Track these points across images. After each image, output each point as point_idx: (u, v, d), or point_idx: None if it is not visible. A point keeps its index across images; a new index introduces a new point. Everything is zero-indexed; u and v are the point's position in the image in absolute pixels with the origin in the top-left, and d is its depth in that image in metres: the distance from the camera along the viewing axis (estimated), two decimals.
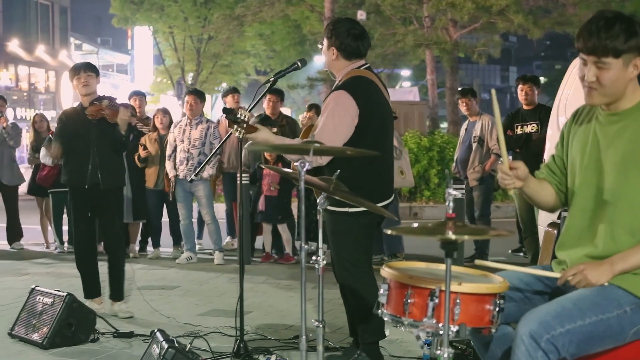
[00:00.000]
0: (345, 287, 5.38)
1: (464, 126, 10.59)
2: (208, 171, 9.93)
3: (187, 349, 4.77)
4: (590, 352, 3.31)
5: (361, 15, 25.47)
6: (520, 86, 9.30)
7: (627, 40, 3.31)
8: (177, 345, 4.68)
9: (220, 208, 12.36)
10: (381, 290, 3.40)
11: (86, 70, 6.94)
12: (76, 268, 7.24)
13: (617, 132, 3.44)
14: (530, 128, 9.20)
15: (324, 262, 3.81)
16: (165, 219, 10.79)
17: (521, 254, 10.88)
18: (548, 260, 5.87)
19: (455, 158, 10.72)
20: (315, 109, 11.34)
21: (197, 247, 11.22)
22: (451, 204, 3.03)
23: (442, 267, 3.65)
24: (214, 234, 10.27)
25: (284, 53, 39.55)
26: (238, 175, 10.11)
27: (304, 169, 3.41)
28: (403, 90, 26.30)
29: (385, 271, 3.40)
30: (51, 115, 28.87)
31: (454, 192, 3.05)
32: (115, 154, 7.05)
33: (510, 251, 10.99)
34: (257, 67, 41.44)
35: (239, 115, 4.80)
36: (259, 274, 9.22)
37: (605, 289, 3.33)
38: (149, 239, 11.02)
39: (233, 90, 11.18)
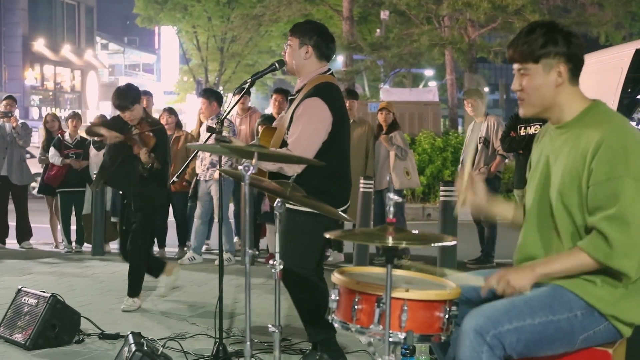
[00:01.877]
0: (292, 289, 5.23)
1: (470, 127, 10.51)
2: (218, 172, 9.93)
3: (159, 352, 4.74)
4: (539, 354, 3.25)
5: (384, 15, 25.43)
6: None
7: (544, 44, 3.33)
8: (145, 348, 4.65)
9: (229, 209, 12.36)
10: (332, 296, 3.35)
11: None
12: (81, 268, 7.26)
13: (561, 145, 3.41)
14: (533, 129, 9.07)
15: (281, 266, 3.72)
16: (170, 218, 10.78)
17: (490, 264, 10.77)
18: None
19: (461, 159, 10.64)
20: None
21: (205, 247, 11.23)
22: (392, 209, 2.98)
23: (398, 272, 3.61)
24: (224, 234, 10.24)
25: None
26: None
27: (248, 173, 3.36)
28: (422, 90, 26.14)
29: (335, 277, 3.35)
30: None
31: (395, 197, 2.99)
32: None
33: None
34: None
35: (224, 134, 4.85)
36: (258, 275, 9.19)
37: (557, 290, 3.29)
38: (155, 239, 11.01)
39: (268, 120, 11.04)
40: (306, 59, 5.14)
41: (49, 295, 6.03)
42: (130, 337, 4.88)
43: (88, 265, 10.07)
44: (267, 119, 10.18)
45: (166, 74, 52.02)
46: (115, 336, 6.20)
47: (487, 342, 3.12)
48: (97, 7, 49.07)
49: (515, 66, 3.42)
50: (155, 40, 55.37)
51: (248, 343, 3.66)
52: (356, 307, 3.18)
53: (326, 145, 4.95)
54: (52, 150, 11.42)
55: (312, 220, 4.89)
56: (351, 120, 10.14)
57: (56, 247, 11.84)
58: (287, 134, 4.99)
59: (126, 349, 4.83)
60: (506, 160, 10.18)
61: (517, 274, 3.25)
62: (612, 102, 6.90)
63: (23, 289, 6.35)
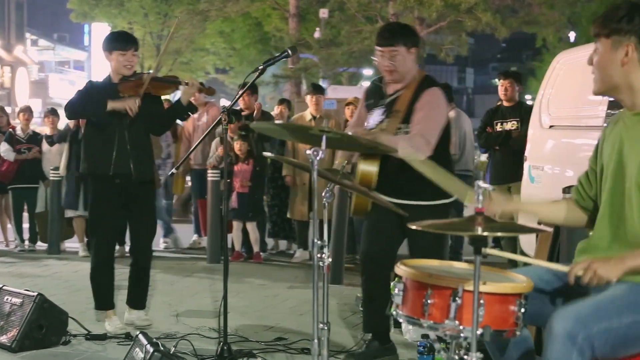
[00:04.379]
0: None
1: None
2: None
3: (171, 352, 4.48)
4: (622, 354, 3.08)
5: (323, 13, 25.24)
6: (500, 82, 9.11)
7: (619, 20, 3.23)
8: (162, 348, 4.39)
9: None
10: (396, 290, 3.15)
11: (135, 49, 6.28)
12: (40, 267, 6.78)
13: (638, 134, 3.25)
14: (510, 125, 9.00)
15: (329, 259, 3.50)
16: None
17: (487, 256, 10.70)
18: (544, 255, 5.68)
19: None
20: (286, 103, 11.11)
21: (164, 245, 10.96)
22: (480, 197, 2.79)
23: (457, 264, 3.43)
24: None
25: (244, 51, 39.18)
26: (209, 171, 9.95)
27: (317, 158, 3.14)
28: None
29: (400, 269, 3.15)
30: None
31: (484, 185, 2.80)
32: (149, 137, 6.23)
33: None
34: (217, 65, 41.05)
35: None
36: (231, 273, 8.87)
37: None
38: None
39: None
40: (414, 60, 5.26)
41: (35, 294, 5.70)
42: (142, 338, 4.61)
43: (47, 264, 9.68)
44: (235, 113, 9.99)
45: (97, 71, 50.95)
46: (103, 337, 5.90)
47: (578, 346, 2.92)
48: (27, 2, 47.92)
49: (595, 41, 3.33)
50: (86, 37, 54.31)
51: (315, 341, 3.36)
52: (429, 301, 2.99)
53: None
54: (4, 145, 10.98)
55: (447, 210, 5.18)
56: (317, 116, 10.00)
57: (7, 246, 11.40)
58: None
59: (138, 349, 4.56)
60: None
61: (605, 265, 3.07)
62: (601, 100, 6.79)
63: (4, 287, 6.01)
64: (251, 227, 9.99)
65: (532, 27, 19.90)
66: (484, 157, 13.69)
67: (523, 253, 8.28)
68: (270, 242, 11.00)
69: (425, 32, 20.15)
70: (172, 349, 4.61)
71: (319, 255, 3.50)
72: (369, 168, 5.00)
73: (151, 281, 7.84)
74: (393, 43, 5.16)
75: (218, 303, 7.23)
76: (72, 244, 10.87)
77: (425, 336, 5.01)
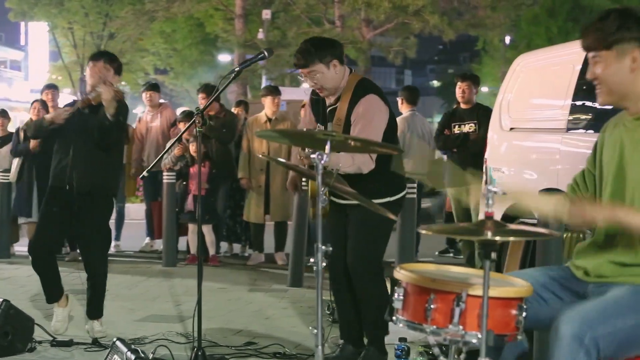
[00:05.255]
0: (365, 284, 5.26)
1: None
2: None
3: (150, 358, 4.40)
4: (625, 355, 3.11)
5: (266, 14, 25.19)
6: (458, 84, 9.16)
7: (617, 30, 3.23)
8: (143, 355, 4.31)
9: (140, 208, 11.97)
10: (395, 295, 3.13)
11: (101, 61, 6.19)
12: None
13: None
14: (467, 127, 9.06)
15: (324, 263, 3.46)
16: None
17: (450, 254, 10.80)
18: (515, 264, 5.71)
19: None
20: (243, 105, 11.05)
21: (114, 248, 10.79)
22: (490, 202, 2.78)
23: (453, 268, 3.42)
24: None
25: (186, 52, 39.00)
26: (164, 173, 9.83)
27: (322, 162, 3.10)
28: (308, 89, 25.95)
29: (401, 274, 3.12)
30: None
31: (494, 189, 2.80)
32: (98, 149, 6.04)
33: (437, 253, 10.88)
34: (157, 66, 40.74)
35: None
36: (188, 276, 8.84)
37: None
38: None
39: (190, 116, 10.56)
40: (337, 72, 5.12)
41: (1, 300, 5.56)
42: (120, 345, 4.52)
43: None
44: (188, 115, 9.94)
45: (34, 71, 50.16)
46: (69, 343, 5.78)
47: (584, 347, 2.95)
48: None
49: (589, 55, 3.32)
50: (22, 37, 53.39)
51: (319, 348, 3.32)
52: (431, 306, 2.97)
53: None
54: None
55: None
56: (273, 118, 9.96)
57: None
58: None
59: (117, 356, 4.47)
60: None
61: (595, 208, 3.13)
62: (564, 101, 6.87)
63: None
64: (207, 229, 9.92)
65: (478, 29, 20.13)
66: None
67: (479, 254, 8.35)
68: (223, 245, 10.93)
69: (371, 34, 20.22)
70: (151, 355, 4.53)
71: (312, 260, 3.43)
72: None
73: (109, 286, 7.70)
74: (308, 64, 5.07)
75: (180, 307, 7.23)
76: (22, 248, 10.64)
77: (402, 339, 5.02)
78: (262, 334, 6.24)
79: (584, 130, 6.62)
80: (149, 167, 5.67)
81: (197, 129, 5.03)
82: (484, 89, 43.45)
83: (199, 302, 5.13)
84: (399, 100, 10.13)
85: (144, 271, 9.31)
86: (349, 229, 5.25)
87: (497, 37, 21.53)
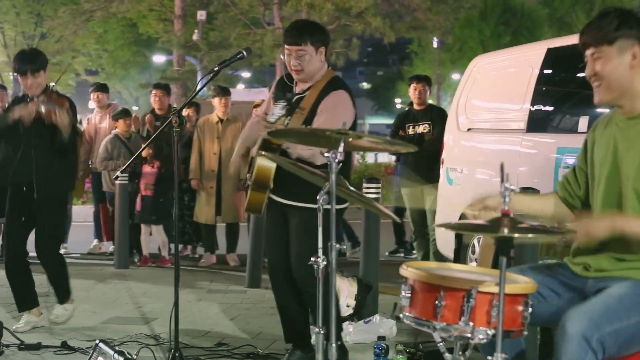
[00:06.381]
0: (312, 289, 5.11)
1: None
2: None
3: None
4: (627, 353, 3.18)
5: (201, 15, 25.06)
6: (413, 85, 9.24)
7: (618, 27, 3.31)
8: (129, 356, 4.27)
9: (82, 210, 11.82)
10: (402, 293, 3.16)
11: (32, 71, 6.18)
12: None
13: (636, 135, 3.36)
14: (422, 128, 9.15)
15: (325, 263, 3.46)
16: None
17: (401, 254, 10.87)
18: (488, 261, 5.79)
19: None
20: (194, 106, 10.99)
21: (63, 250, 10.63)
22: (507, 199, 2.82)
23: (456, 266, 3.47)
24: None
25: (117, 52, 38.58)
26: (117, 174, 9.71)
27: (336, 160, 3.11)
28: (255, 90, 25.99)
29: (408, 271, 3.15)
30: None
31: (511, 187, 2.84)
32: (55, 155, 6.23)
33: (387, 253, 10.94)
34: (88, 67, 40.24)
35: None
36: (143, 278, 8.77)
37: None
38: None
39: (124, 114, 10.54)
40: (322, 60, 5.10)
41: None
42: (105, 347, 4.47)
43: None
44: (122, 112, 9.99)
45: None
46: (37, 346, 5.68)
47: (592, 347, 3.02)
48: None
49: (588, 52, 3.38)
50: None
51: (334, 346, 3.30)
52: (442, 303, 3.01)
53: None
54: None
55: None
56: (225, 119, 9.94)
57: None
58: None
59: (101, 358, 4.41)
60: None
61: (595, 222, 3.22)
62: (522, 103, 6.99)
63: None
64: (157, 230, 9.86)
65: (418, 31, 20.33)
66: None
67: (439, 253, 8.45)
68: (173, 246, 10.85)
69: None
70: (135, 357, 4.49)
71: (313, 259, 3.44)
72: (267, 164, 4.90)
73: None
74: (300, 42, 5.03)
75: (142, 309, 7.17)
76: None
77: (381, 338, 5.06)
78: (230, 335, 6.23)
79: (544, 132, 6.76)
80: (123, 168, 5.61)
81: (175, 128, 4.99)
82: None
83: (176, 304, 5.07)
84: None
85: (97, 274, 9.19)
86: (290, 234, 5.17)
87: (416, 41, 21.83)
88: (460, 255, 7.61)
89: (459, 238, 7.75)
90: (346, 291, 6.31)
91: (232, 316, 6.95)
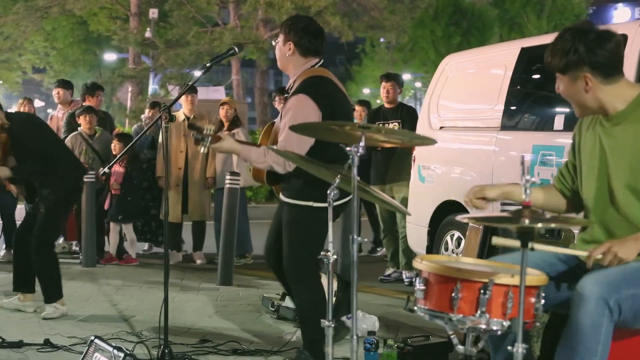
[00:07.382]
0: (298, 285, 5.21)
1: None
2: None
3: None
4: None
5: (153, 14, 24.92)
6: (383, 84, 9.27)
7: (566, 54, 3.43)
8: (128, 352, 4.25)
9: None
10: (417, 286, 3.20)
11: None
12: None
13: (621, 135, 3.48)
14: (392, 126, 9.19)
15: (335, 257, 3.49)
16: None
17: (378, 253, 10.92)
18: (473, 251, 5.85)
19: None
20: (158, 106, 10.92)
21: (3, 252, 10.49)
22: (528, 192, 2.88)
23: (465, 259, 3.52)
24: None
25: (67, 50, 38.09)
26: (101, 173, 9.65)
27: (358, 154, 3.13)
28: (212, 89, 25.83)
29: (423, 264, 3.20)
30: None
31: (528, 177, 2.90)
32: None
33: (367, 252, 10.97)
34: (36, 65, 39.71)
35: (205, 132, 4.72)
36: (112, 276, 8.72)
37: None
38: None
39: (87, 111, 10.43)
40: (290, 55, 5.06)
41: None
42: (102, 343, 4.44)
43: None
44: (85, 110, 10.01)
45: None
46: (19, 344, 5.63)
47: (609, 307, 3.14)
48: None
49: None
50: None
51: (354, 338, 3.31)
52: (459, 295, 3.05)
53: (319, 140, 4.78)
54: None
55: (315, 214, 4.85)
56: (191, 116, 9.91)
57: None
58: None
59: (98, 354, 4.39)
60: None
61: (623, 247, 3.29)
62: (496, 102, 7.08)
63: None
64: (126, 228, 9.81)
65: (376, 31, 20.42)
66: None
67: (408, 250, 8.53)
68: (140, 244, 10.79)
69: (269, 34, 20.27)
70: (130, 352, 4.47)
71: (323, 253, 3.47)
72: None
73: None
74: (280, 28, 5.14)
75: (118, 307, 7.14)
76: None
77: (371, 333, 5.10)
78: (212, 332, 6.22)
79: (518, 129, 6.85)
80: (111, 164, 5.58)
81: (164, 124, 4.98)
82: (366, 90, 44.07)
83: (165, 301, 5.07)
84: (276, 99, 10.37)
85: (64, 272, 8.93)
86: (282, 230, 5.21)
87: (394, 38, 21.92)
88: (432, 252, 7.69)
89: (431, 235, 7.84)
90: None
91: (209, 313, 6.94)
